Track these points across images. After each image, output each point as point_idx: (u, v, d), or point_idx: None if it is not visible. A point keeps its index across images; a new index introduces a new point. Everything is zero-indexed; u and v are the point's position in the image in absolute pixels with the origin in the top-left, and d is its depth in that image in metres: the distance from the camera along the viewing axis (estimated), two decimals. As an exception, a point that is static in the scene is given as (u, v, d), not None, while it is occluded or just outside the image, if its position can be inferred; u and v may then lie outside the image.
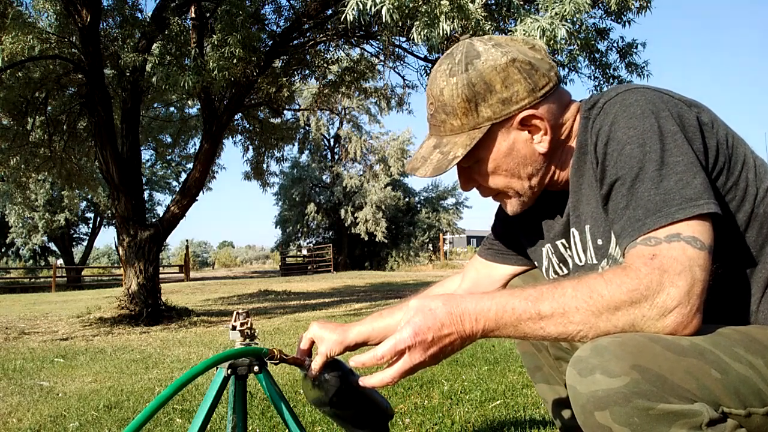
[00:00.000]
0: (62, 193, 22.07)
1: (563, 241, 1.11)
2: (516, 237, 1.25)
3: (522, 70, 0.98)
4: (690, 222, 0.82)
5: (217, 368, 1.12)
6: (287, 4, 8.22)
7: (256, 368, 1.13)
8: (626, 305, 0.79)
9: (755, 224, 0.93)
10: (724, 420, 0.76)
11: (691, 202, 0.82)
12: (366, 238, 26.97)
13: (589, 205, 1.01)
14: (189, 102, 10.71)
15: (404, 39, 7.48)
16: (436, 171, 1.01)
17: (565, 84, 7.18)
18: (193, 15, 7.35)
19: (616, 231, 0.90)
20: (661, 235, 0.82)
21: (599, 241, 1.01)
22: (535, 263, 1.22)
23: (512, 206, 1.09)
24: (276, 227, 30.55)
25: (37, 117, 7.77)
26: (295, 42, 7.88)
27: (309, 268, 26.47)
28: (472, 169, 1.06)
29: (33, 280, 25.19)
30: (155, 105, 11.43)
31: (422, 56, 8.55)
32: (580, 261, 1.07)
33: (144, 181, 10.03)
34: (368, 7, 3.73)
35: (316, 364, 1.11)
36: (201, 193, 8.26)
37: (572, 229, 1.07)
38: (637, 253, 0.83)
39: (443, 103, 1.02)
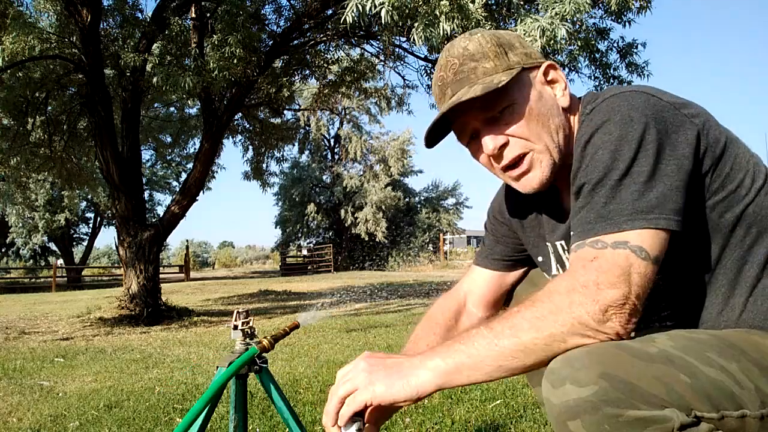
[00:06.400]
0: (62, 193, 22.05)
1: (562, 242, 1.11)
2: (516, 237, 1.24)
3: (529, 44, 1.07)
4: (641, 232, 0.83)
5: (217, 368, 1.12)
6: (287, 4, 8.23)
7: (256, 368, 1.13)
8: (566, 305, 0.82)
9: (743, 224, 0.93)
10: (697, 424, 0.76)
11: (641, 214, 0.84)
12: (366, 238, 26.95)
13: None
14: (189, 102, 10.72)
15: (404, 39, 7.47)
16: (485, 90, 0.95)
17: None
18: (193, 15, 7.36)
19: (571, 229, 0.93)
20: (608, 240, 0.84)
21: None
22: (537, 260, 1.22)
23: (542, 171, 1.01)
24: (276, 227, 30.55)
25: (38, 117, 7.76)
26: (295, 42, 7.88)
27: (309, 268, 26.46)
28: (503, 117, 1.00)
29: (33, 280, 25.18)
30: (155, 105, 11.44)
31: (422, 56, 8.56)
32: None
33: (144, 181, 10.02)
34: (368, 9, 3.73)
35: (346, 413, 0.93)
36: (201, 193, 8.27)
37: (572, 232, 1.07)
38: (581, 255, 0.86)
39: (470, 54, 1.01)
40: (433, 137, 1.07)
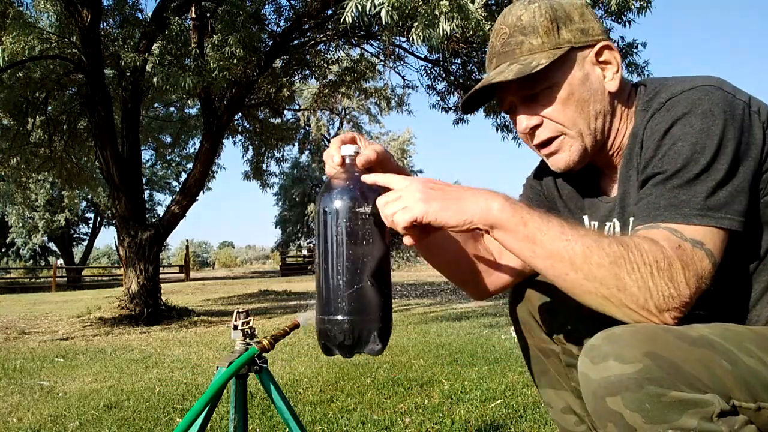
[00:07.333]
0: (62, 193, 22.04)
1: (596, 224, 1.11)
2: (548, 205, 1.22)
3: (594, 15, 1.03)
4: (713, 235, 0.83)
5: (217, 368, 1.12)
6: (287, 4, 8.23)
7: (256, 368, 1.13)
8: (647, 271, 0.79)
9: None
10: (735, 413, 0.76)
11: (710, 212, 0.84)
12: (366, 238, 26.97)
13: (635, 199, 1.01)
14: (189, 102, 10.72)
15: (404, 39, 7.48)
16: (518, 74, 0.95)
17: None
18: (193, 15, 7.36)
19: (633, 209, 0.92)
20: (687, 234, 0.83)
21: None
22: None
23: (569, 155, 1.02)
24: (276, 227, 30.58)
25: (38, 117, 7.77)
26: (295, 42, 7.88)
27: (309, 268, 26.45)
28: (540, 98, 1.00)
29: (33, 280, 25.19)
30: (155, 105, 11.43)
31: (422, 56, 8.57)
32: None
33: (144, 181, 10.03)
34: (368, 8, 3.72)
35: (366, 154, 1.06)
36: (201, 193, 8.28)
37: (614, 219, 1.06)
38: (664, 236, 0.83)
39: (522, 26, 1.00)
40: (472, 104, 1.09)
